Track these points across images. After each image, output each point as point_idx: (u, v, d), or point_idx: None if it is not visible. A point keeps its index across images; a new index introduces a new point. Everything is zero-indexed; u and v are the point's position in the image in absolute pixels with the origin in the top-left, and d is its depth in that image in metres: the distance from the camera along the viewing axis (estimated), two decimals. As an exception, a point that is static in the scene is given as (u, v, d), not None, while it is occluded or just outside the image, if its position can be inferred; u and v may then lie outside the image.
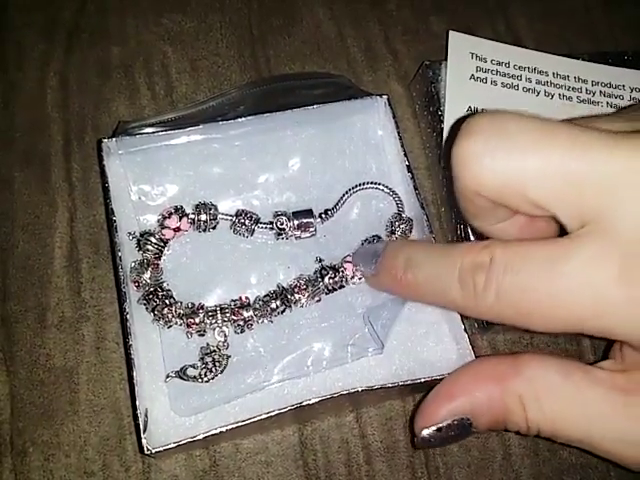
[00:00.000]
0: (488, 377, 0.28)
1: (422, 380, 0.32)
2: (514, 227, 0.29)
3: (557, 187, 0.24)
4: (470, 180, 0.26)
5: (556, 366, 0.27)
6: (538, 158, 0.25)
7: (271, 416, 0.31)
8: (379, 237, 0.37)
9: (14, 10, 0.45)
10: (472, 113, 0.28)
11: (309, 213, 0.36)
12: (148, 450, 0.30)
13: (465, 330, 0.34)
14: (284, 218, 0.36)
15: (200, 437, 0.30)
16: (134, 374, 0.31)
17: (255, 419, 0.31)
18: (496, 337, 0.39)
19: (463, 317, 0.34)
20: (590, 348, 0.40)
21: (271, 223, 0.36)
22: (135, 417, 0.31)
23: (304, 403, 0.31)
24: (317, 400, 0.31)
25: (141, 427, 0.31)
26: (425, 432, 0.28)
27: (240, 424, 0.31)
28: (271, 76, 0.44)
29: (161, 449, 0.30)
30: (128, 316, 0.33)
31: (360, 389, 0.32)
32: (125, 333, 0.32)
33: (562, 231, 0.25)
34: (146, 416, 0.31)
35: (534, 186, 0.25)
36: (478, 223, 0.30)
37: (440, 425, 0.28)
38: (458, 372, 0.30)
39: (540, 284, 0.24)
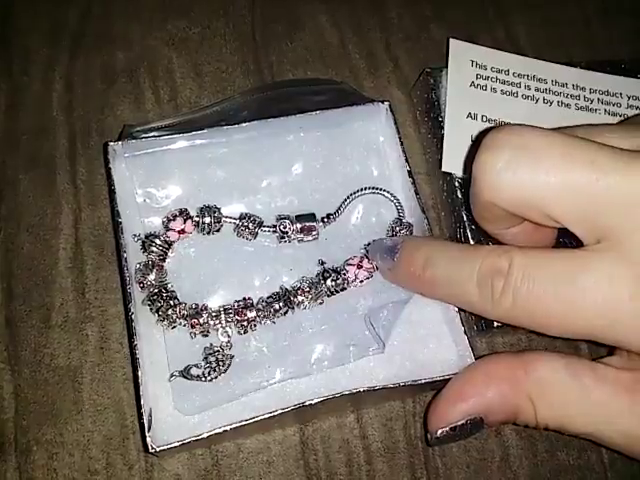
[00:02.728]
0: (499, 378, 0.29)
1: (422, 381, 0.33)
2: (523, 232, 0.30)
3: (575, 204, 0.25)
4: (488, 192, 0.27)
5: (563, 365, 0.28)
6: (559, 176, 0.25)
7: (273, 415, 0.31)
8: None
9: (20, 14, 0.45)
10: (494, 126, 0.29)
11: (312, 217, 0.37)
12: (152, 448, 0.30)
13: (465, 332, 0.34)
14: (287, 221, 0.36)
15: (204, 436, 0.31)
16: (139, 373, 0.32)
17: (258, 418, 0.31)
18: (495, 339, 0.40)
19: (463, 320, 0.35)
20: (587, 352, 0.40)
21: (274, 226, 0.37)
22: (139, 416, 0.31)
23: (306, 403, 0.32)
24: (319, 400, 0.32)
25: (145, 426, 0.31)
26: (440, 432, 0.30)
27: (243, 423, 0.31)
28: (274, 82, 0.45)
29: (165, 447, 0.30)
30: (133, 316, 0.33)
31: (362, 389, 0.32)
32: (130, 333, 0.33)
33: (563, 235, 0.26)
34: (150, 415, 0.32)
35: (552, 202, 0.26)
36: (489, 227, 0.31)
37: (454, 425, 0.29)
38: (469, 372, 0.31)
39: (556, 295, 0.26)
